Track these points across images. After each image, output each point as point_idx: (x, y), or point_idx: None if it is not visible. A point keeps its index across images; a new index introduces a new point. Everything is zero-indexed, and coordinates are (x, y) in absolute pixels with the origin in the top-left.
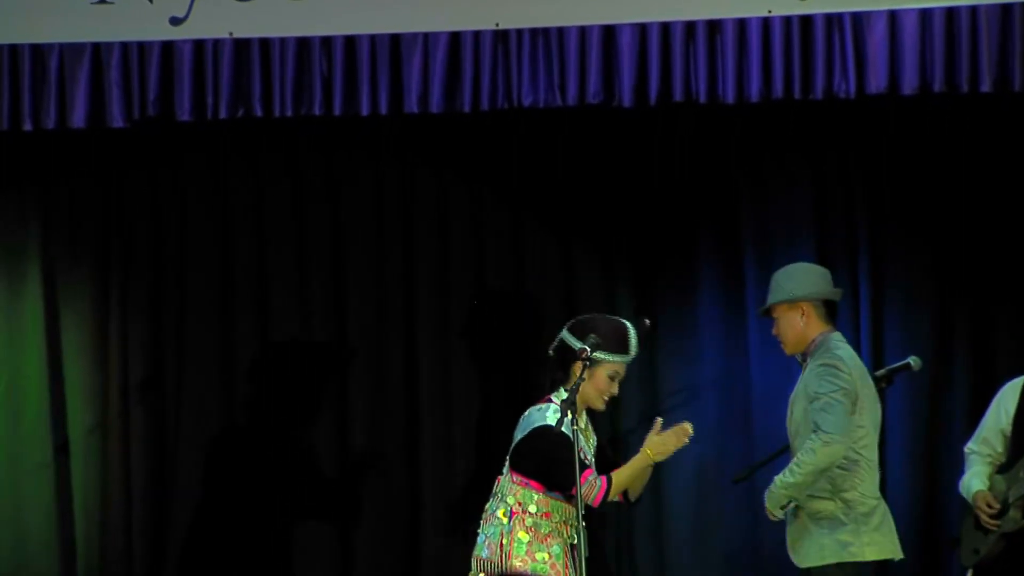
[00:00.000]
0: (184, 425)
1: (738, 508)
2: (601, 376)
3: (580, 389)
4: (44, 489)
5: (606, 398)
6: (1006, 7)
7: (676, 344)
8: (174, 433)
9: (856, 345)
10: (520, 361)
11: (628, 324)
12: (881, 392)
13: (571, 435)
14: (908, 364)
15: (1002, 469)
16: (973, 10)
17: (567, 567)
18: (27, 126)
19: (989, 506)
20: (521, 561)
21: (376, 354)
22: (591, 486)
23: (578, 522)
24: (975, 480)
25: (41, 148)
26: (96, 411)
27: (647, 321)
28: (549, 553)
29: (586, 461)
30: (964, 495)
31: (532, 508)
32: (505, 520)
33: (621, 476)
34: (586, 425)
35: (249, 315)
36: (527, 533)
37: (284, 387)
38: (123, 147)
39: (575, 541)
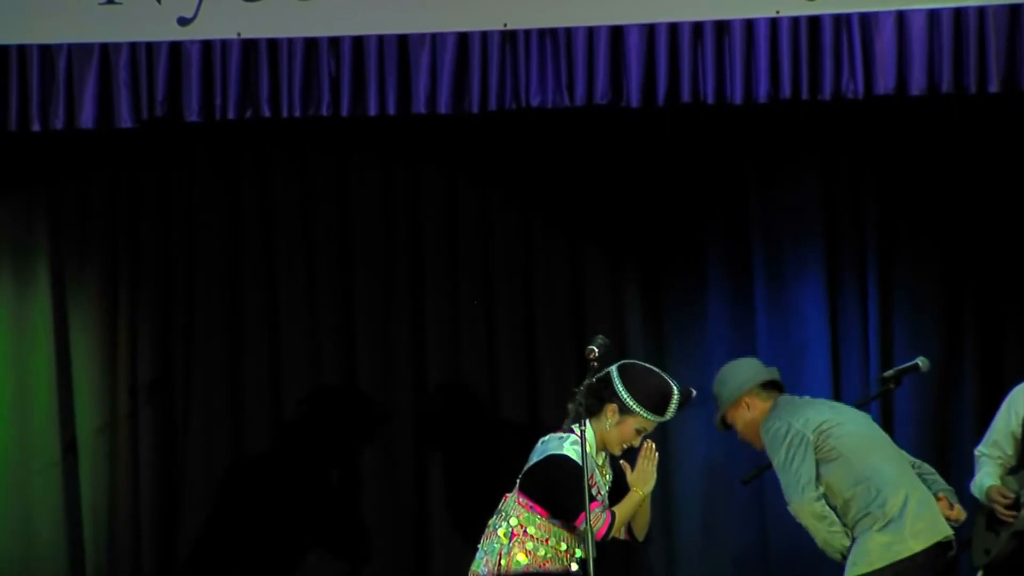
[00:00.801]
0: (192, 425)
1: (746, 509)
2: (629, 427)
3: (606, 432)
4: (52, 489)
5: (625, 447)
6: (1014, 8)
7: (684, 345)
8: (182, 433)
9: (864, 346)
10: (528, 361)
11: (675, 389)
12: (889, 393)
13: (583, 463)
14: (916, 365)
15: (1012, 471)
16: (981, 11)
17: None
18: (35, 127)
19: (1004, 496)
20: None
21: (384, 354)
22: (596, 517)
23: (587, 546)
24: (987, 479)
25: (49, 149)
26: (104, 411)
27: (693, 392)
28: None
29: (598, 496)
30: (976, 495)
31: (532, 531)
32: (505, 540)
33: (623, 511)
34: (604, 462)
35: (257, 315)
36: (526, 556)
37: (292, 388)
38: (131, 148)
39: (575, 569)
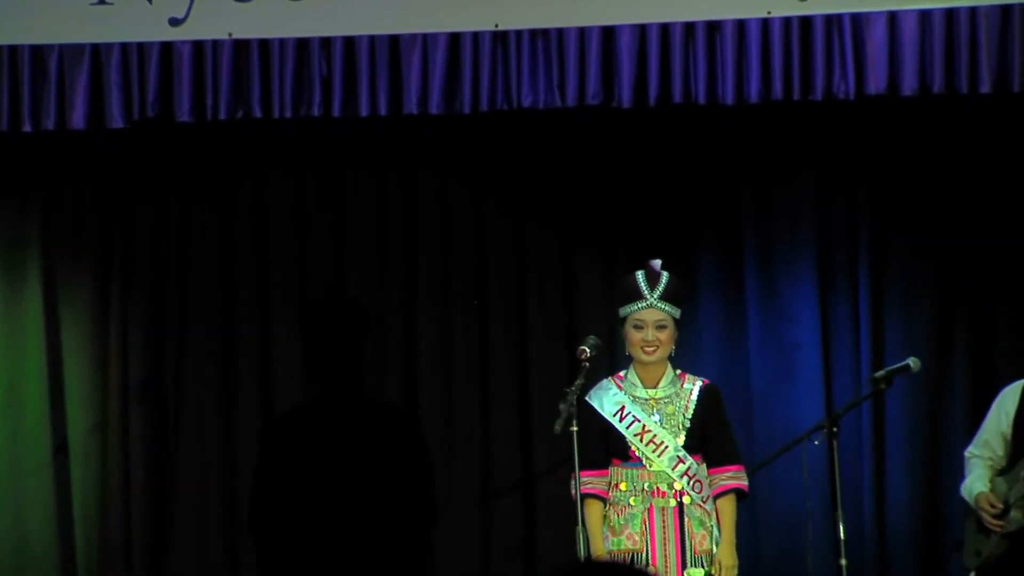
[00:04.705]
0: (184, 425)
1: (738, 509)
2: (628, 331)
3: (630, 353)
4: (44, 489)
5: (647, 349)
6: (1006, 8)
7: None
8: (174, 433)
9: (855, 347)
10: (520, 360)
11: (636, 273)
12: (880, 394)
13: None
14: (907, 366)
15: (1002, 473)
16: (972, 11)
17: (643, 534)
18: (27, 127)
19: (992, 506)
20: (605, 539)
21: (376, 356)
22: (574, 484)
23: (578, 513)
24: (977, 483)
25: (41, 149)
26: (96, 411)
27: (654, 262)
28: (624, 523)
29: (630, 427)
30: (966, 498)
31: (617, 483)
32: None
33: (589, 522)
34: (665, 396)
35: (249, 315)
36: (611, 509)
37: (283, 388)
38: (124, 148)
39: (665, 503)
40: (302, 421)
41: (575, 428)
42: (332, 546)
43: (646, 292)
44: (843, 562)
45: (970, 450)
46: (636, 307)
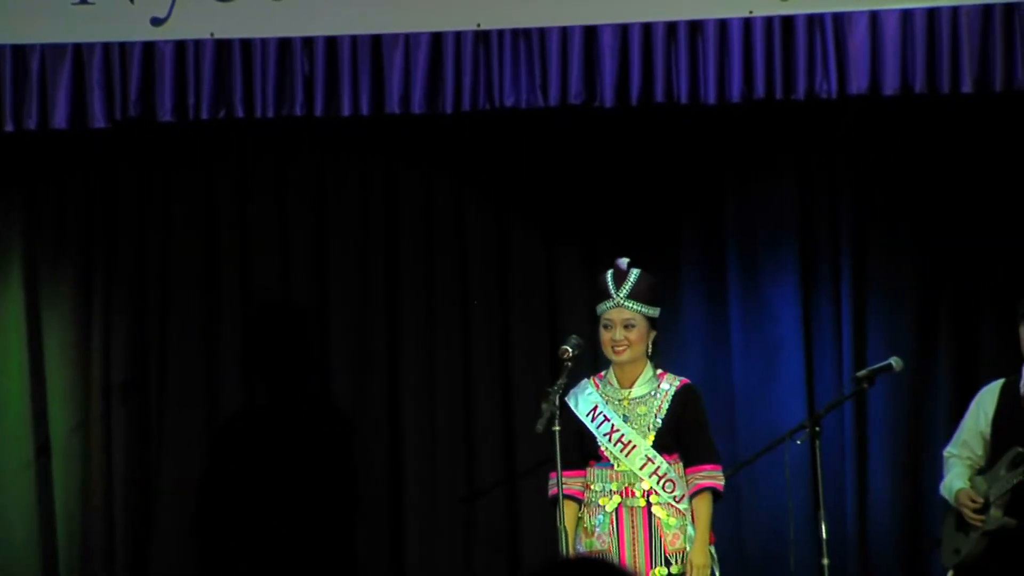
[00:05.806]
0: (166, 426)
1: (722, 509)
2: (600, 330)
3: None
4: (25, 490)
5: (616, 348)
6: (987, 8)
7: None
8: (156, 434)
9: (838, 345)
10: (503, 360)
11: (607, 272)
12: (862, 393)
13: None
14: (890, 365)
15: (981, 472)
16: (954, 11)
17: (611, 534)
18: (9, 127)
19: (973, 500)
20: (578, 540)
21: (359, 355)
22: (552, 486)
23: (560, 513)
24: (957, 480)
25: (23, 149)
26: (78, 412)
27: (621, 261)
28: (595, 524)
29: (601, 426)
30: (945, 496)
31: (590, 484)
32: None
33: (567, 519)
34: (640, 396)
35: (232, 316)
36: (585, 510)
37: (266, 389)
38: (106, 148)
39: (634, 503)
40: (241, 425)
41: (557, 428)
42: (269, 543)
43: (612, 291)
44: (825, 561)
45: (949, 450)
46: (605, 306)
